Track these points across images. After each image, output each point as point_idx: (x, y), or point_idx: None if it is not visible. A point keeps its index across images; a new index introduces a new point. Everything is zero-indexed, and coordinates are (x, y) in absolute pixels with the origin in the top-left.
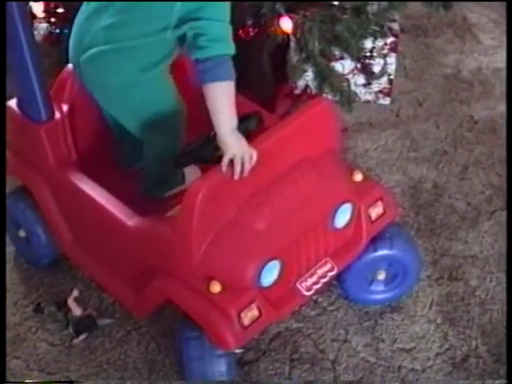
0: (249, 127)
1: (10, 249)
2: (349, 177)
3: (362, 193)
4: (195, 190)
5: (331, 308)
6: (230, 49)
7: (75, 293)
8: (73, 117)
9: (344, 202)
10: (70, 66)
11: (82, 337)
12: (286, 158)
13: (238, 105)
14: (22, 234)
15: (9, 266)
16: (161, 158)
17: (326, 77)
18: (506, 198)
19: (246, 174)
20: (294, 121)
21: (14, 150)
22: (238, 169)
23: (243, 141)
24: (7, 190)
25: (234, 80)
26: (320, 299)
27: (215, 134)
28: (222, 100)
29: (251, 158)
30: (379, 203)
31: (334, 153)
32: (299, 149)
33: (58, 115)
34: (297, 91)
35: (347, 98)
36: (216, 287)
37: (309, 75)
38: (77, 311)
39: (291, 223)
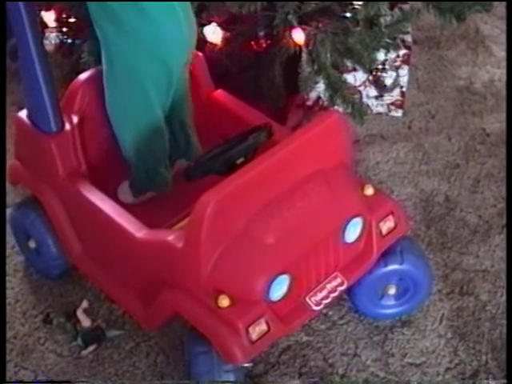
0: (259, 139)
1: (19, 259)
2: (360, 191)
3: (373, 207)
4: (205, 203)
5: (341, 322)
6: None
7: (84, 304)
8: (83, 128)
9: (355, 216)
10: (80, 76)
11: (91, 348)
12: (296, 171)
13: (249, 117)
14: (31, 244)
15: (18, 276)
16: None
17: (337, 89)
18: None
19: None
20: (305, 134)
21: (23, 161)
22: None
23: None
24: (17, 200)
25: None
26: (330, 313)
27: (227, 147)
28: None
29: None
30: (390, 217)
31: (346, 166)
32: (310, 162)
33: (68, 126)
34: (308, 102)
35: (359, 111)
36: (224, 301)
37: (320, 87)
38: (86, 322)
39: (301, 237)
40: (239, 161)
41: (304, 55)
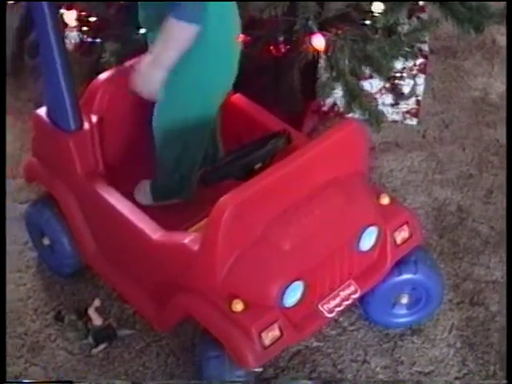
0: (277, 145)
1: (32, 255)
2: (375, 199)
3: (389, 216)
4: (223, 207)
5: (351, 328)
6: None
7: (96, 303)
8: (102, 128)
9: (370, 225)
10: (101, 76)
11: (102, 347)
12: (314, 179)
13: (266, 122)
14: (46, 241)
15: (30, 273)
16: (172, 162)
17: (355, 96)
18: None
19: None
20: (323, 142)
21: (40, 158)
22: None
23: (152, 75)
24: (32, 197)
25: (192, 25)
26: (341, 319)
27: (245, 152)
28: (172, 36)
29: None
30: (405, 227)
31: (362, 174)
32: (327, 170)
33: (86, 125)
34: (324, 108)
35: (376, 118)
36: (238, 306)
37: (337, 93)
38: (97, 321)
39: (317, 244)
40: (257, 166)
41: (322, 61)
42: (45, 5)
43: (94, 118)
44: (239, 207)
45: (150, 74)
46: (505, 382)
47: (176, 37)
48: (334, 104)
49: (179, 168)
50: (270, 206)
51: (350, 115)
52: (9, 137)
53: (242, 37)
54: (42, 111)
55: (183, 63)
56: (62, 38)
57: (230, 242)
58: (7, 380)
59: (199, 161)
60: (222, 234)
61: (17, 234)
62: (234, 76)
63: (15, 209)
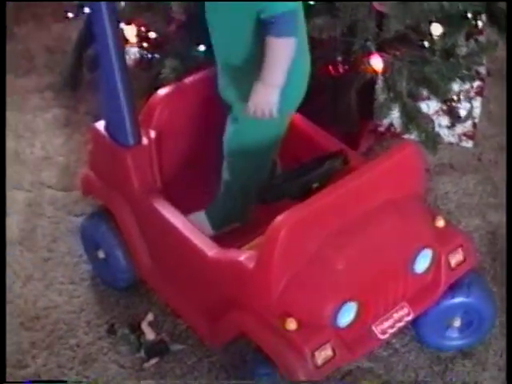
0: (334, 166)
1: (86, 268)
2: (431, 222)
3: (444, 239)
4: (279, 226)
5: (403, 350)
6: (286, 6)
7: (150, 317)
8: (160, 143)
9: (425, 247)
10: (160, 91)
11: (153, 361)
12: (370, 200)
13: (323, 141)
14: (100, 255)
15: (84, 285)
16: (242, 181)
17: (412, 117)
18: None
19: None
20: (380, 163)
21: (97, 172)
22: (254, 112)
23: (271, 97)
24: (87, 209)
25: (291, 38)
26: (393, 340)
27: (303, 172)
28: (276, 54)
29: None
30: (459, 250)
31: (418, 196)
32: (384, 191)
33: (145, 141)
34: (381, 128)
35: (432, 140)
36: (292, 324)
37: (394, 113)
38: (150, 335)
39: (371, 265)
40: (314, 186)
41: (380, 82)
42: (106, 19)
43: (153, 134)
44: (295, 227)
45: (268, 97)
46: (505, 382)
47: (281, 54)
48: (391, 125)
49: (246, 190)
50: (326, 226)
51: (407, 136)
52: (65, 149)
53: None
54: (100, 125)
55: None
56: (122, 53)
57: (285, 261)
58: (7, 380)
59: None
60: (278, 253)
61: (72, 246)
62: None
63: (71, 221)
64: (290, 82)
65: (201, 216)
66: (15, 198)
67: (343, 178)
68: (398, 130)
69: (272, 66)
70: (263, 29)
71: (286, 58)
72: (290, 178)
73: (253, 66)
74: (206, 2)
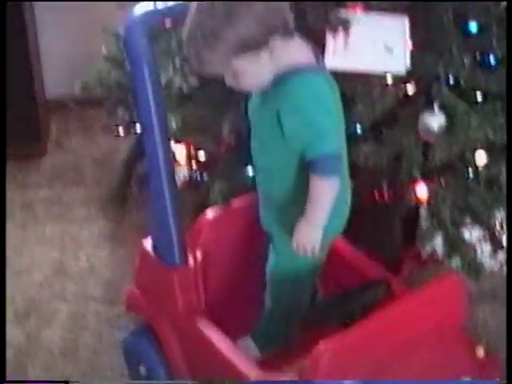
0: (376, 295)
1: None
2: (472, 351)
3: (484, 369)
4: (320, 353)
5: None
6: (331, 147)
7: None
8: (205, 264)
9: (465, 377)
10: (208, 212)
11: None
12: (411, 329)
13: (366, 267)
14: (142, 371)
15: None
16: (285, 308)
17: (455, 245)
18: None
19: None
20: (423, 293)
21: (142, 289)
22: (297, 250)
23: (314, 235)
24: (132, 324)
25: (333, 178)
26: None
27: (345, 298)
28: (319, 194)
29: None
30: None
31: (460, 326)
32: (425, 320)
33: (191, 261)
34: (423, 255)
35: (475, 269)
36: None
37: (437, 240)
38: None
39: None
40: (356, 313)
41: (424, 209)
42: (157, 139)
43: (199, 255)
44: (337, 354)
45: (311, 236)
46: (505, 382)
47: (324, 194)
48: (433, 251)
49: (288, 316)
50: (367, 355)
51: (449, 263)
52: (110, 262)
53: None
54: (148, 243)
55: None
56: (172, 173)
57: None
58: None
59: (306, 306)
60: (319, 379)
61: (113, 360)
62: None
63: (113, 336)
64: (336, 210)
65: (247, 341)
66: (58, 310)
67: (385, 306)
68: (441, 256)
69: (315, 206)
70: (307, 166)
71: (329, 197)
72: (332, 304)
73: (295, 200)
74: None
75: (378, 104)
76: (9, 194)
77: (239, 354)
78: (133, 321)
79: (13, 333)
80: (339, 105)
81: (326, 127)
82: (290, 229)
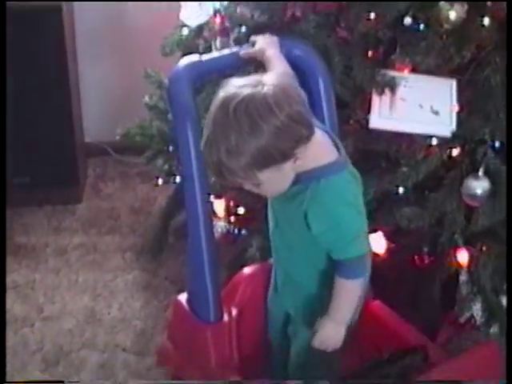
0: (414, 362)
1: None
2: None
3: None
4: None
5: None
6: (358, 251)
7: None
8: (240, 321)
9: None
10: (245, 269)
11: None
12: None
13: (404, 333)
14: None
15: None
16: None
17: (494, 312)
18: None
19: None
20: (460, 361)
21: (175, 344)
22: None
23: (337, 335)
24: (162, 379)
25: (360, 279)
26: None
27: (382, 364)
28: (346, 294)
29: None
30: None
31: None
32: None
33: (226, 318)
34: (461, 320)
35: None
36: None
37: (476, 306)
38: None
39: None
40: (393, 380)
41: (464, 275)
42: (197, 190)
43: (234, 311)
44: None
45: (335, 334)
46: (505, 382)
47: (349, 295)
48: (472, 317)
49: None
50: None
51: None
52: (143, 313)
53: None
54: (183, 297)
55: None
56: (210, 226)
57: None
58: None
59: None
60: None
61: None
62: None
63: None
64: None
65: None
66: (88, 358)
67: (422, 373)
68: (479, 322)
69: (340, 305)
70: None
71: (354, 297)
72: (368, 371)
73: (316, 285)
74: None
75: (422, 166)
76: (43, 239)
77: None
78: (162, 374)
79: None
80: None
81: (354, 230)
82: (309, 314)
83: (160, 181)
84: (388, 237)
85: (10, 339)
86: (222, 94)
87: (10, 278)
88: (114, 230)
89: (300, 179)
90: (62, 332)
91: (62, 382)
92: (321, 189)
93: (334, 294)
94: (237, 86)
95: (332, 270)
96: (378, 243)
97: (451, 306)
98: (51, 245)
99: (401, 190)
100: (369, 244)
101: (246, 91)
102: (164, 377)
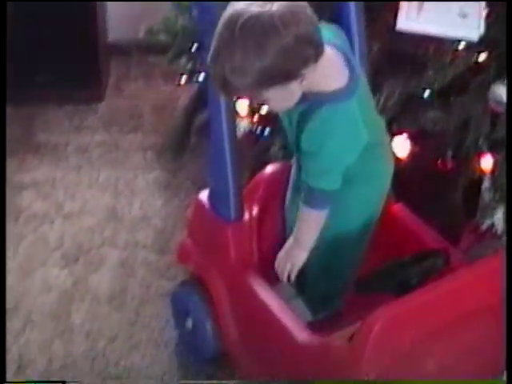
0: (435, 265)
1: (173, 333)
2: None
3: None
4: (374, 320)
5: None
6: (322, 185)
7: None
8: (261, 219)
9: None
10: (267, 168)
11: None
12: (468, 302)
13: (425, 236)
14: (189, 323)
15: (168, 351)
16: (332, 273)
17: None
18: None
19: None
20: (482, 266)
21: (195, 241)
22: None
23: (298, 256)
24: (181, 275)
25: (325, 210)
26: None
27: (402, 266)
28: (309, 223)
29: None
30: None
31: None
32: (483, 296)
33: (247, 216)
34: (482, 228)
35: None
36: None
37: (498, 214)
38: None
39: (460, 369)
40: (413, 282)
41: (487, 181)
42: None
43: (255, 210)
44: (391, 322)
45: (295, 255)
46: (505, 382)
47: (310, 224)
48: (493, 225)
49: (341, 278)
50: (422, 325)
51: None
52: (163, 212)
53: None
54: (204, 195)
55: (350, 182)
56: (233, 125)
57: (377, 355)
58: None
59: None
60: (370, 346)
61: (160, 310)
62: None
63: (161, 285)
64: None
65: (298, 302)
66: (108, 256)
67: (443, 277)
68: (500, 231)
69: (302, 232)
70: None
71: (315, 228)
72: (388, 272)
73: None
74: None
75: (448, 70)
76: (64, 137)
77: (289, 313)
78: (182, 272)
79: (59, 276)
80: (372, 115)
81: (331, 164)
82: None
83: (183, 79)
84: (412, 140)
85: (30, 236)
86: (229, 10)
87: (30, 176)
88: (136, 128)
89: (306, 99)
90: (82, 230)
91: (64, 381)
92: (320, 115)
93: (297, 219)
94: (245, 3)
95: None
96: (402, 146)
97: (473, 214)
98: (72, 143)
99: (427, 93)
100: (338, 183)
101: (254, 10)
102: (183, 275)
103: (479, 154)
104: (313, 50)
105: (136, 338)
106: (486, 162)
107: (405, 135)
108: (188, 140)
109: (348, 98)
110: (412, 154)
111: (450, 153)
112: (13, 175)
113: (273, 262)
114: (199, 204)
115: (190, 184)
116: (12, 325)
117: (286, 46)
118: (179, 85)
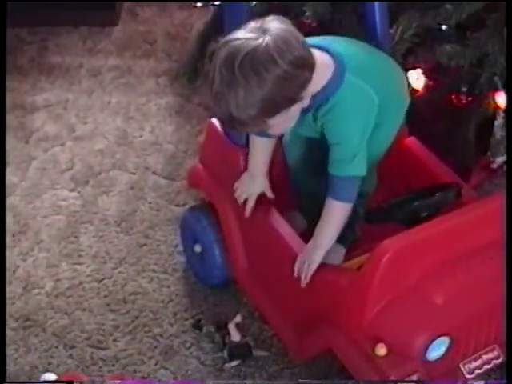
0: (446, 198)
1: (180, 259)
2: None
3: None
4: (383, 250)
5: None
6: (350, 171)
7: (238, 318)
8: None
9: None
10: None
11: (235, 363)
12: (478, 237)
13: (437, 170)
14: (197, 249)
15: (176, 276)
16: None
17: None
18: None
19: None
20: (491, 202)
21: (207, 166)
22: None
23: (315, 257)
24: (188, 201)
25: (351, 203)
26: None
27: (413, 198)
28: (333, 217)
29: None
30: None
31: None
32: (491, 230)
33: None
34: (494, 165)
35: None
36: (382, 350)
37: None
38: (235, 337)
39: (469, 302)
40: (423, 214)
41: (500, 118)
42: (239, 11)
43: None
44: (399, 253)
45: (313, 257)
46: (505, 381)
47: (335, 217)
48: (504, 163)
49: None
50: (430, 257)
51: None
52: (175, 137)
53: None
54: (217, 121)
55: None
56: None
57: (385, 285)
58: (7, 380)
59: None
60: (379, 277)
61: (169, 236)
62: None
63: (171, 210)
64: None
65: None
66: (118, 179)
67: (453, 210)
68: None
69: (325, 229)
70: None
71: (339, 222)
72: (399, 204)
73: None
74: None
75: (465, 5)
76: (77, 60)
77: (298, 241)
78: (192, 198)
79: (68, 198)
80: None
81: (361, 143)
82: None
83: (199, 3)
84: (427, 74)
85: (40, 157)
86: (225, 51)
87: (42, 97)
88: (149, 54)
89: (309, 108)
90: (92, 152)
91: (71, 381)
92: (331, 106)
93: (322, 215)
94: (239, 39)
95: None
96: (417, 79)
97: (485, 151)
98: (85, 66)
99: (443, 27)
100: (365, 169)
101: (249, 45)
102: (193, 201)
103: (493, 91)
104: (308, 71)
105: (144, 261)
106: (500, 99)
107: (419, 69)
108: (202, 66)
109: (343, 79)
110: (426, 88)
111: (464, 88)
112: (25, 96)
113: (282, 191)
114: (212, 129)
115: (202, 110)
116: (20, 245)
117: (284, 74)
118: (195, 7)
